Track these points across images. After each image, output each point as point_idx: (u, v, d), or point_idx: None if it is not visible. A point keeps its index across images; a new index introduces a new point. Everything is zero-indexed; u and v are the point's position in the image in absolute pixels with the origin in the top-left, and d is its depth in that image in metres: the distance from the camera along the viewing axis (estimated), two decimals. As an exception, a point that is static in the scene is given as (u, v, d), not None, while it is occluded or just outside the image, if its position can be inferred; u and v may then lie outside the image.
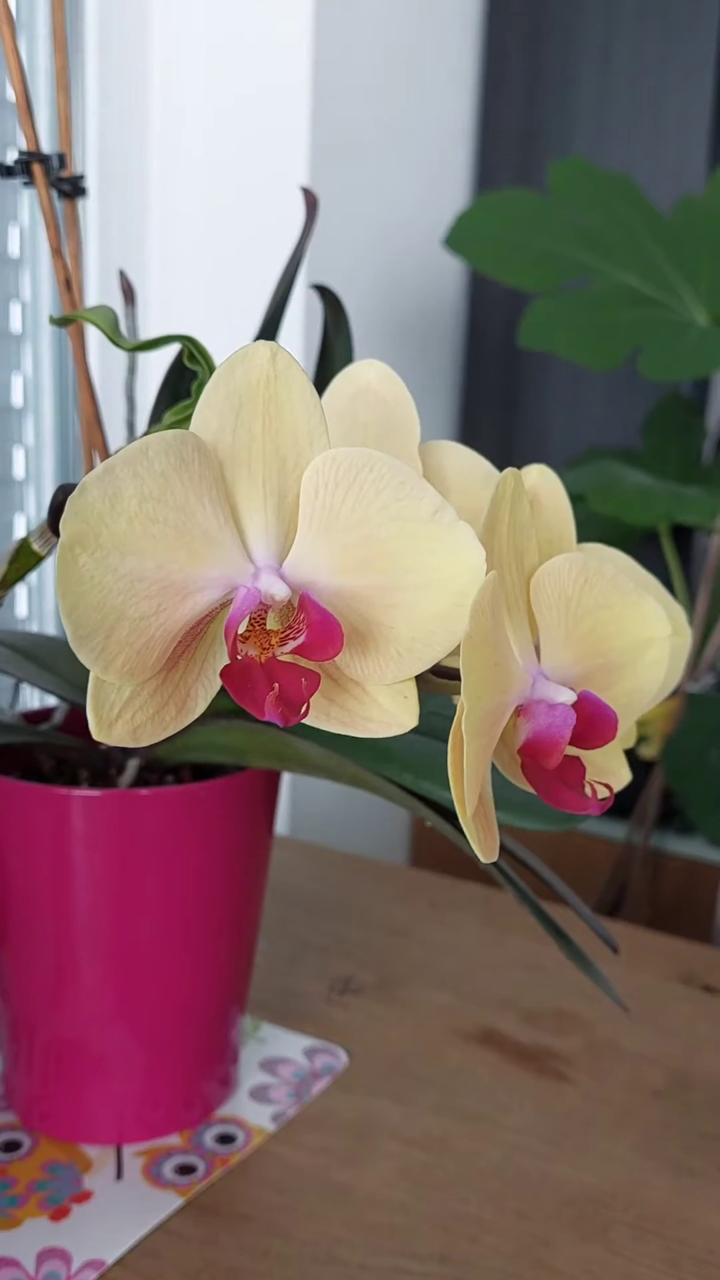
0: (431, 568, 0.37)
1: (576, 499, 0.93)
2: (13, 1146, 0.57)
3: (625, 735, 0.45)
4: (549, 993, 0.74)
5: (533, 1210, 0.55)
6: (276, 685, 0.35)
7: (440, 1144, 0.59)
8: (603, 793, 0.39)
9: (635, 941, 0.81)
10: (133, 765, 0.56)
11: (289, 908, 0.83)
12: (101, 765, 0.58)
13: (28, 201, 1.02)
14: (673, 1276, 0.52)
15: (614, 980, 0.74)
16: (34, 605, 1.10)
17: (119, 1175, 0.56)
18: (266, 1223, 0.53)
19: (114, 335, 0.43)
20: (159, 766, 0.58)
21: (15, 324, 1.05)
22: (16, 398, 1.06)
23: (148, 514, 0.35)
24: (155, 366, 0.60)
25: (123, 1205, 0.54)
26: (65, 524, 0.34)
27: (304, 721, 0.37)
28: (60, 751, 0.59)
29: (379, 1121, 0.61)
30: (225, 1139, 0.58)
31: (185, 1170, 0.56)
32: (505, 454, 1.42)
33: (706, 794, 1.20)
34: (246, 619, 0.36)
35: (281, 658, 0.36)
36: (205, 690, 0.39)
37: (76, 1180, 0.55)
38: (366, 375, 0.45)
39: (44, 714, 0.62)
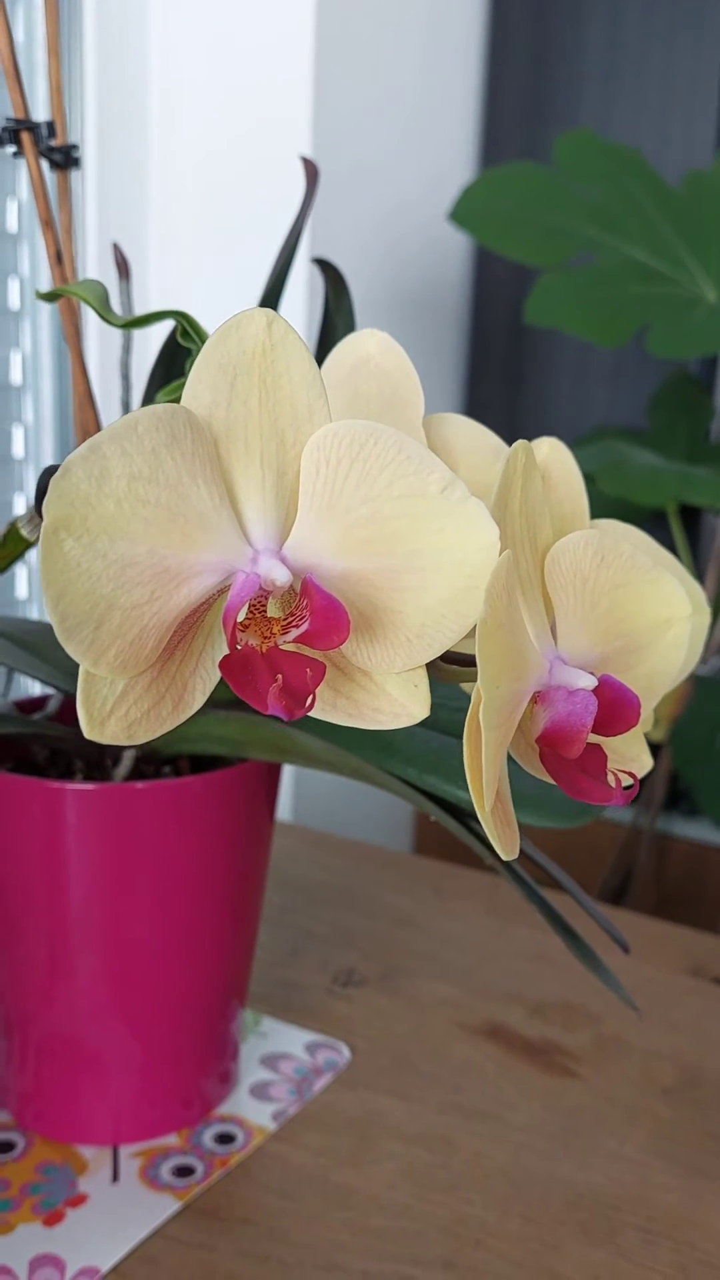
0: (441, 548, 0.34)
1: (584, 479, 0.90)
2: (6, 1147, 0.56)
3: (645, 719, 0.43)
4: (556, 985, 0.72)
5: (539, 1213, 0.54)
6: (279, 676, 0.33)
7: (445, 1143, 0.58)
8: (627, 781, 0.37)
9: (644, 932, 0.80)
10: (128, 756, 0.55)
11: (291, 896, 0.82)
12: (97, 756, 0.56)
13: (26, 175, 0.99)
14: (685, 1283, 0.50)
15: (622, 972, 0.73)
16: (35, 586, 1.08)
17: (115, 1177, 0.54)
18: (266, 1227, 0.52)
19: (104, 311, 0.41)
20: (156, 758, 0.56)
21: (14, 300, 1.03)
22: (15, 375, 1.04)
23: (137, 495, 0.33)
24: (155, 344, 0.58)
25: (118, 1209, 0.52)
26: (48, 507, 0.31)
27: (309, 714, 0.34)
28: (55, 741, 0.57)
29: (382, 1120, 0.59)
30: (225, 1139, 0.57)
31: (183, 1172, 0.54)
32: (511, 433, 1.38)
33: (714, 778, 1.18)
34: (246, 606, 0.33)
35: (284, 647, 0.34)
36: (203, 683, 0.36)
37: (71, 1183, 0.54)
38: (367, 346, 0.43)
39: (38, 703, 0.61)
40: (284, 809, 1.18)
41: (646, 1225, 0.53)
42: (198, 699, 0.36)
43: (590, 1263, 0.51)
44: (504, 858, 0.34)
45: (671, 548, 1.20)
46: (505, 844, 0.34)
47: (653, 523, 1.23)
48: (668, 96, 1.28)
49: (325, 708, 0.36)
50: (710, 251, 1.11)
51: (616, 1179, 0.56)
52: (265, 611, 0.34)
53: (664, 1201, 0.55)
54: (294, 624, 0.33)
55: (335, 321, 0.58)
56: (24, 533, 0.45)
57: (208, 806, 0.52)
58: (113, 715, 0.35)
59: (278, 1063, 0.63)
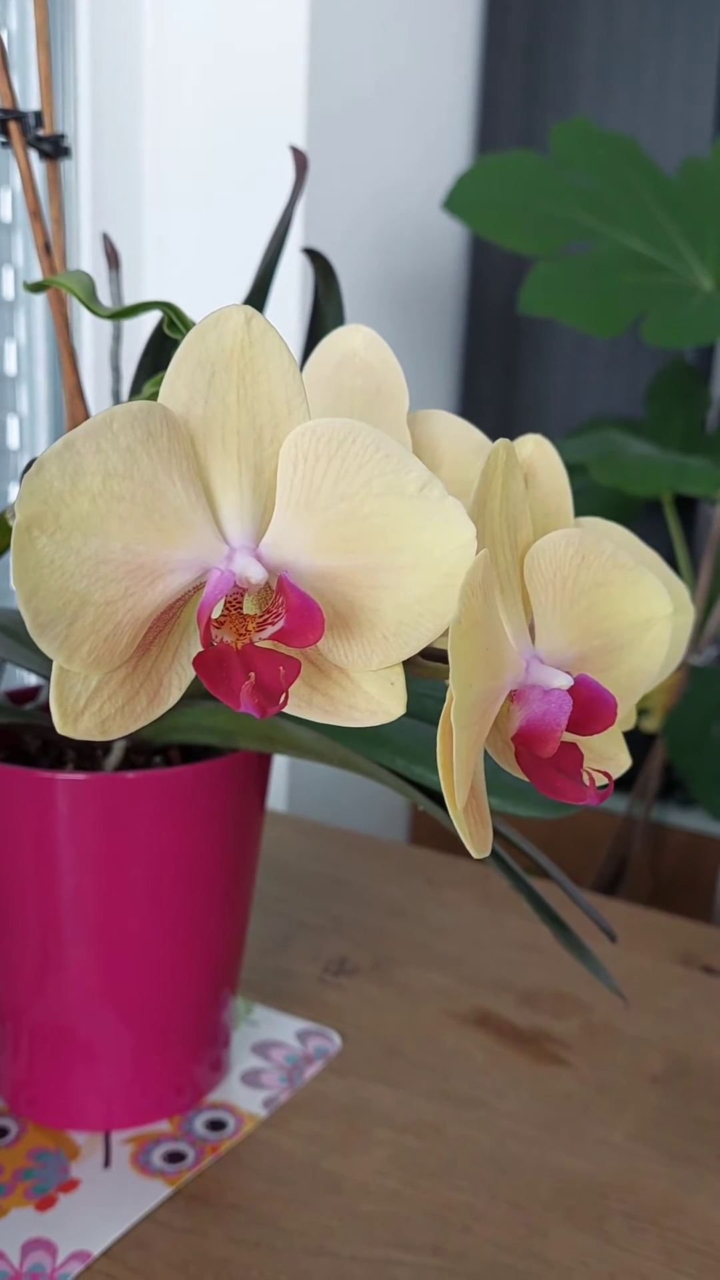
0: (418, 546, 0.35)
1: (578, 469, 0.90)
2: (-1, 1133, 0.56)
3: (625, 718, 0.43)
4: (546, 974, 0.73)
5: (527, 1199, 0.54)
6: (253, 674, 0.33)
7: (434, 1130, 0.58)
8: (601, 781, 0.37)
9: (634, 921, 0.80)
10: (119, 747, 0.55)
11: (283, 885, 0.82)
12: (88, 746, 0.57)
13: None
14: (669, 1268, 0.51)
15: (612, 961, 0.73)
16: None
17: (106, 1163, 0.55)
18: (256, 1213, 0.52)
19: (90, 302, 0.41)
20: (146, 748, 0.57)
21: (8, 290, 1.03)
22: (10, 366, 1.04)
23: (112, 492, 0.33)
24: (147, 334, 0.58)
25: (110, 1194, 0.53)
26: (21, 504, 0.32)
27: (285, 712, 0.35)
28: (46, 731, 0.57)
29: (372, 1107, 0.60)
30: (216, 1125, 0.57)
31: (174, 1158, 0.55)
32: (505, 422, 1.39)
33: (708, 768, 1.19)
34: (221, 603, 0.34)
35: (259, 644, 0.34)
36: (179, 678, 0.37)
37: (63, 1168, 0.54)
38: (352, 341, 0.43)
39: (30, 693, 0.61)
40: (279, 799, 1.18)
41: (634, 1211, 0.54)
42: (173, 694, 0.37)
43: (577, 1248, 0.51)
44: (475, 856, 0.35)
45: (666, 538, 1.21)
46: (477, 842, 0.35)
47: (648, 513, 1.24)
48: (664, 84, 1.28)
49: (302, 705, 0.37)
50: (706, 240, 1.11)
51: (604, 1165, 0.57)
52: (241, 608, 0.34)
53: (651, 1188, 0.55)
54: (269, 621, 0.33)
55: (325, 311, 0.58)
56: (11, 524, 0.46)
57: (198, 796, 0.53)
58: (86, 711, 0.35)
59: (269, 1050, 0.63)
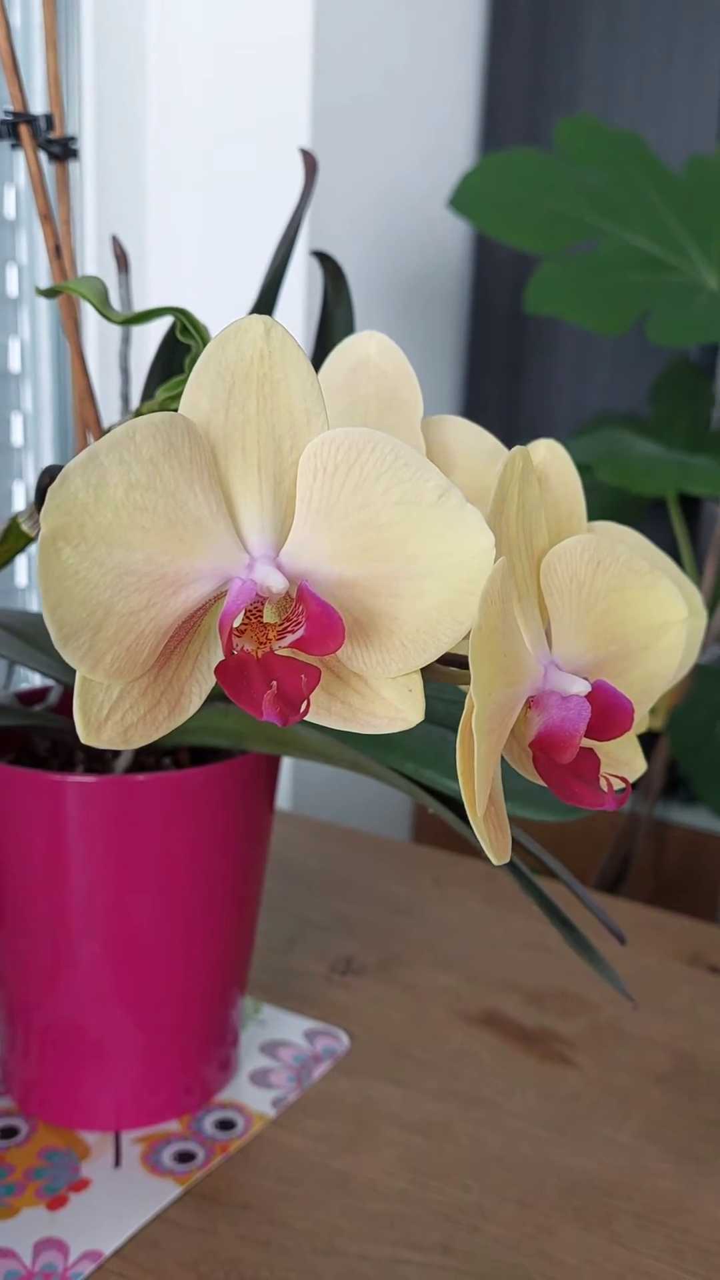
0: (437, 554, 0.35)
1: (582, 468, 0.90)
2: (10, 1133, 0.56)
3: (640, 722, 0.43)
4: (552, 973, 0.73)
5: (535, 1199, 0.54)
6: (274, 682, 0.33)
7: (442, 1130, 0.59)
8: (619, 786, 0.37)
9: (640, 920, 0.80)
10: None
11: (290, 885, 0.82)
12: (98, 748, 0.57)
13: (24, 162, 0.99)
14: (677, 1267, 0.51)
15: (618, 960, 0.73)
16: (34, 575, 1.08)
17: (117, 1163, 0.55)
18: (266, 1212, 0.53)
19: (103, 308, 0.41)
20: (156, 749, 0.57)
21: (12, 288, 1.03)
22: (14, 363, 1.04)
23: (135, 503, 0.33)
24: (154, 335, 0.58)
25: (121, 1194, 0.53)
26: (46, 516, 0.32)
27: (304, 719, 0.35)
28: (56, 733, 0.57)
29: (380, 1106, 0.60)
30: (225, 1125, 0.58)
31: (184, 1157, 0.55)
32: (510, 421, 1.40)
33: (712, 767, 1.19)
34: (242, 612, 0.34)
35: (280, 652, 0.34)
36: (199, 687, 0.37)
37: (74, 1168, 0.54)
38: (366, 348, 0.43)
39: (39, 694, 0.61)
40: (283, 797, 1.18)
41: (641, 1211, 0.54)
42: (194, 702, 0.37)
43: (585, 1248, 0.52)
44: (495, 862, 0.35)
45: (671, 537, 1.21)
46: (497, 848, 0.35)
47: (653, 512, 1.24)
48: (670, 81, 1.28)
49: (320, 712, 0.37)
50: (712, 238, 1.11)
51: (612, 1165, 0.57)
52: (261, 617, 0.35)
53: (658, 1187, 0.56)
54: (289, 630, 0.34)
55: (334, 314, 0.58)
56: (24, 528, 0.46)
57: (208, 798, 0.53)
58: (109, 720, 0.35)
59: (277, 1050, 0.64)
